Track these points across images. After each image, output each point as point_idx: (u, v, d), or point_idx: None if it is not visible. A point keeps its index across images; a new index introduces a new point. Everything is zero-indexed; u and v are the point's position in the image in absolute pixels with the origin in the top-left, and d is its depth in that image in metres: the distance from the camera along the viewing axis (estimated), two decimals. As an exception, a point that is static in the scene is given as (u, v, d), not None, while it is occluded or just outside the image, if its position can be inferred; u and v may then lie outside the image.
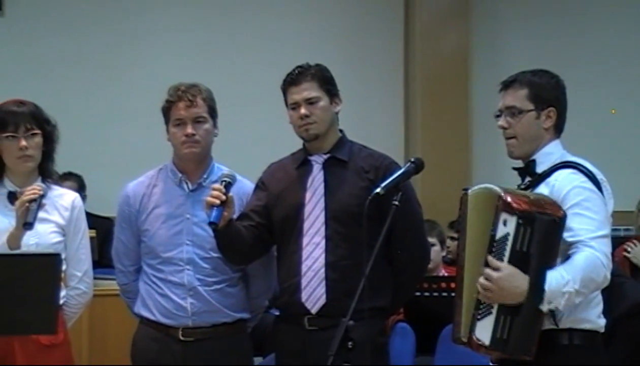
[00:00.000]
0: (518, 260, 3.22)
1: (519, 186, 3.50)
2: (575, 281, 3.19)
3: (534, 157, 3.46)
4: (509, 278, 3.21)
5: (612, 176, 3.53)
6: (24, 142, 3.92)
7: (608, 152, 7.46)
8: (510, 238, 3.22)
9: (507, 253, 3.23)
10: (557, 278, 3.19)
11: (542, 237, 3.21)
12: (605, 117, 7.92)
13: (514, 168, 3.54)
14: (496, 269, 3.22)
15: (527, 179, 3.49)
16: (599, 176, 3.39)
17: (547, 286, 3.18)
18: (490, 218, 3.27)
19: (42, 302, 3.40)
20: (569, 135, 3.56)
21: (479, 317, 3.30)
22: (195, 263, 4.01)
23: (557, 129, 3.50)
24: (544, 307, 3.20)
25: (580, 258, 3.23)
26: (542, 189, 3.38)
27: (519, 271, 3.21)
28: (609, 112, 8.00)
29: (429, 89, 7.77)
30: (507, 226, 3.22)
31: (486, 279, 3.23)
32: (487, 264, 3.25)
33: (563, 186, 3.32)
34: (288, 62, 4.10)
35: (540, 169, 3.44)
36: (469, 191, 3.43)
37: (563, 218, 3.23)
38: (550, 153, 3.45)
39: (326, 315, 3.78)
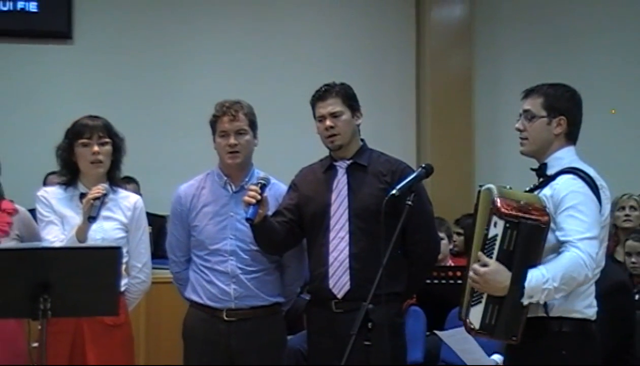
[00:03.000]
0: (505, 258, 3.20)
1: (533, 186, 3.45)
2: (555, 279, 3.16)
3: (546, 160, 3.42)
4: (494, 273, 3.20)
5: (612, 176, 3.50)
6: (96, 148, 3.95)
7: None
8: (499, 239, 3.21)
9: (495, 251, 3.21)
10: (538, 276, 3.17)
11: (526, 239, 3.19)
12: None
13: (532, 169, 3.48)
14: (484, 265, 3.21)
15: (541, 180, 3.44)
16: (599, 182, 3.33)
17: (527, 283, 3.16)
18: (486, 216, 3.26)
19: (106, 288, 3.41)
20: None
21: (472, 303, 3.30)
22: (237, 254, 4.00)
23: (570, 137, 3.44)
24: (525, 301, 3.18)
25: (565, 258, 3.19)
26: (547, 190, 3.33)
27: (504, 269, 3.19)
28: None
29: (437, 104, 7.77)
30: (497, 228, 3.21)
31: (475, 273, 3.23)
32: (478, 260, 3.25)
33: (562, 190, 3.27)
34: (316, 81, 4.11)
35: (550, 172, 3.39)
36: (481, 188, 3.40)
37: (547, 223, 3.19)
38: (561, 158, 3.39)
39: (350, 299, 3.78)
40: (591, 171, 3.35)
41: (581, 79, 7.68)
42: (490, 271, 3.20)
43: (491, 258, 3.21)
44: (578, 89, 3.48)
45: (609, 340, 4.08)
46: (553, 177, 3.35)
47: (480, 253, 3.23)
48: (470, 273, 3.25)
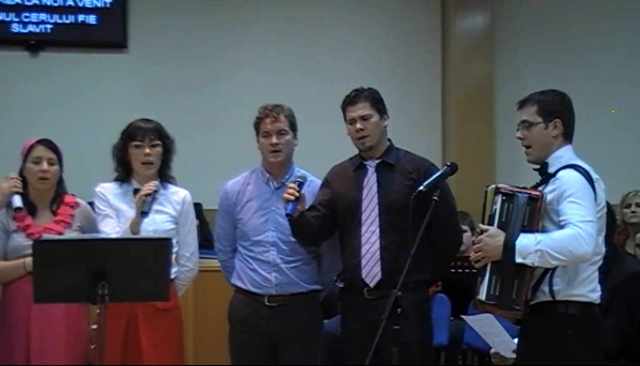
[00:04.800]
0: (502, 227, 3.28)
1: (536, 182, 3.46)
2: (547, 243, 3.19)
3: (547, 160, 3.43)
4: (491, 236, 3.27)
5: (612, 176, 3.46)
6: (147, 150, 3.97)
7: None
8: (497, 212, 3.29)
9: (495, 224, 3.30)
10: (529, 238, 3.22)
11: (519, 208, 3.26)
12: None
13: (534, 169, 3.50)
14: (484, 231, 3.29)
15: (543, 177, 3.45)
16: (594, 175, 3.36)
17: (517, 242, 3.21)
18: (491, 202, 3.35)
19: (157, 276, 3.44)
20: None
21: (480, 281, 3.34)
22: (278, 245, 4.01)
23: (566, 136, 3.46)
24: (517, 259, 3.21)
25: (563, 231, 3.23)
26: (550, 186, 3.35)
27: (501, 231, 3.27)
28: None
29: (461, 107, 7.74)
30: (496, 204, 3.30)
31: (477, 242, 3.31)
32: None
33: (563, 182, 3.30)
34: (350, 85, 4.09)
35: (551, 170, 3.40)
36: (488, 188, 3.43)
37: (540, 196, 3.26)
38: (560, 157, 3.41)
39: (381, 287, 3.77)
40: (587, 167, 3.38)
41: (597, 84, 7.70)
42: (488, 234, 3.28)
43: None
44: (596, 94, 3.50)
45: (624, 328, 4.06)
46: (554, 173, 3.37)
47: (480, 224, 3.33)
48: (474, 245, 3.33)
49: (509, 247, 3.22)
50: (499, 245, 3.24)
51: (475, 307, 3.47)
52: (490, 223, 3.33)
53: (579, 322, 3.29)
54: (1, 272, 3.83)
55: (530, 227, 3.26)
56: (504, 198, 3.29)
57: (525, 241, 3.21)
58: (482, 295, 3.31)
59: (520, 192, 3.30)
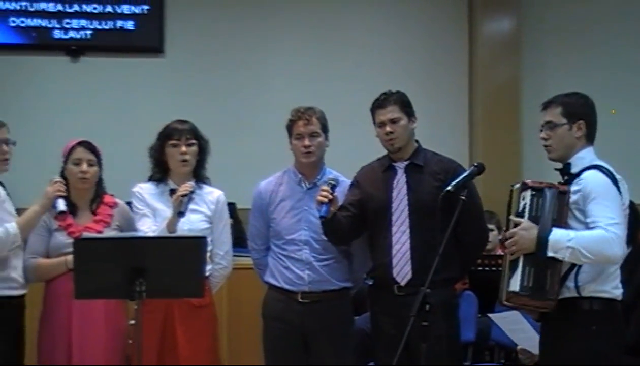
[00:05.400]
0: (533, 221, 3.26)
1: (559, 182, 3.45)
2: (579, 241, 3.19)
3: (570, 160, 3.42)
4: (524, 229, 3.25)
5: (636, 175, 3.44)
6: (184, 149, 3.99)
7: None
8: (527, 208, 3.27)
9: (525, 218, 3.28)
10: (562, 233, 3.21)
11: (550, 202, 3.25)
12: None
13: (556, 169, 3.49)
14: (517, 224, 3.27)
15: (565, 178, 3.44)
16: (617, 176, 3.35)
17: (551, 236, 3.19)
18: (518, 199, 3.34)
19: (193, 273, 3.45)
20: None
21: (511, 275, 3.30)
22: (310, 243, 4.01)
23: (588, 138, 3.45)
24: (549, 253, 3.20)
25: (595, 232, 3.22)
26: (574, 186, 3.34)
27: (534, 224, 3.25)
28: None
29: (487, 109, 7.71)
30: (525, 199, 3.29)
31: (510, 235, 3.28)
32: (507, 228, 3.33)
33: (589, 183, 3.29)
34: (379, 88, 4.08)
35: (574, 170, 3.39)
36: (513, 187, 3.43)
37: (567, 191, 3.27)
38: (582, 158, 3.40)
39: (411, 285, 3.75)
40: (609, 167, 3.37)
41: (622, 86, 7.61)
42: (522, 226, 3.25)
43: None
44: (620, 96, 3.48)
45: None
46: (578, 174, 3.36)
47: (511, 216, 3.29)
48: (507, 238, 3.30)
49: (542, 241, 3.21)
50: (534, 238, 3.23)
51: (502, 302, 3.43)
52: (519, 216, 3.31)
53: (603, 318, 3.28)
54: (44, 269, 3.86)
55: (559, 221, 3.26)
56: (533, 192, 3.28)
57: (558, 236, 3.21)
58: (516, 287, 3.28)
59: (548, 186, 3.29)
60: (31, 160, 5.82)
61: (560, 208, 3.27)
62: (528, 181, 3.34)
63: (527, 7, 7.85)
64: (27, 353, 3.86)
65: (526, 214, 3.29)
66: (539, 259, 3.23)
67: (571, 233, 3.22)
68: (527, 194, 3.30)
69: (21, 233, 3.73)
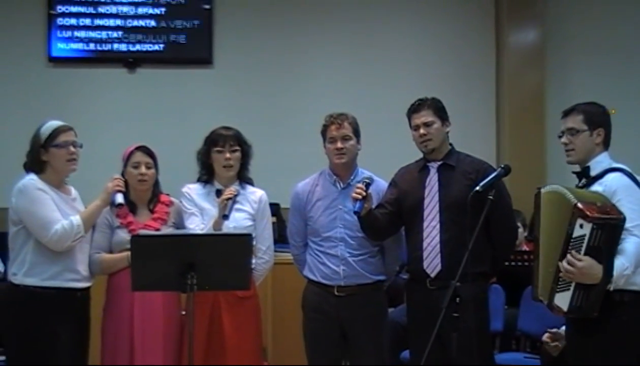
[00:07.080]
0: (593, 252, 3.15)
1: (577, 185, 3.44)
2: (632, 265, 3.16)
3: (589, 164, 3.41)
4: (590, 268, 3.14)
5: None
6: (228, 155, 3.99)
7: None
8: (586, 238, 3.15)
9: (584, 247, 3.15)
10: (620, 266, 3.15)
11: (610, 236, 3.16)
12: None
13: (574, 172, 3.49)
14: (579, 260, 3.14)
15: (583, 180, 3.43)
16: (638, 177, 3.33)
17: (614, 274, 3.15)
18: (562, 215, 3.20)
19: (239, 267, 3.45)
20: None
21: (558, 290, 3.23)
22: (345, 240, 3.99)
23: (605, 144, 3.45)
24: (612, 287, 3.16)
25: (631, 246, 3.18)
26: (596, 187, 3.32)
27: (596, 262, 3.14)
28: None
29: (514, 115, 7.65)
30: (584, 229, 3.14)
31: (570, 265, 3.15)
32: (563, 255, 3.18)
33: (613, 185, 3.27)
34: (413, 95, 4.06)
35: (593, 173, 3.39)
36: (542, 189, 3.36)
37: (623, 220, 3.17)
38: (601, 162, 3.40)
39: (442, 278, 3.72)
40: (629, 170, 3.35)
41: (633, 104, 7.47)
42: (587, 265, 3.14)
43: (579, 253, 3.15)
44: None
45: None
46: (600, 176, 3.33)
47: (573, 252, 3.16)
48: (565, 266, 3.16)
49: (607, 278, 3.15)
50: (598, 277, 3.15)
51: (535, 298, 3.35)
52: (574, 243, 3.17)
53: (634, 309, 3.23)
54: (107, 264, 3.89)
55: (615, 251, 3.19)
56: (594, 226, 3.11)
57: (619, 270, 3.16)
58: (565, 306, 3.21)
59: (609, 219, 3.14)
60: (93, 163, 5.88)
61: (617, 239, 3.18)
62: (584, 208, 3.13)
63: (551, 18, 7.76)
64: (91, 340, 3.89)
65: (584, 244, 3.15)
66: (597, 288, 3.17)
67: (624, 262, 3.16)
68: (588, 226, 3.12)
69: (84, 225, 3.75)
